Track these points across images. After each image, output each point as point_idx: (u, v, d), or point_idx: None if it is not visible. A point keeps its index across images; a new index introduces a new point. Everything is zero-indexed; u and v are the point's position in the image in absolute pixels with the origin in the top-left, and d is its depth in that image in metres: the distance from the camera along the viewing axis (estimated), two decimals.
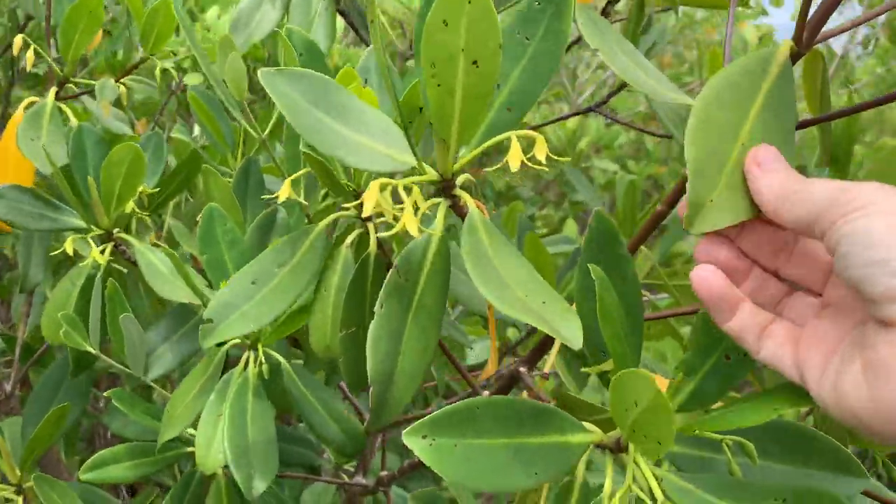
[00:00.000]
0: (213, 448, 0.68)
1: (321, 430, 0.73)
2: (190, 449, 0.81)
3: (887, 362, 0.34)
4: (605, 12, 0.82)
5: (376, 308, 0.44)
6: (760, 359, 0.40)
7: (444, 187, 0.45)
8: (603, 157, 1.78)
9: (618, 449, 0.47)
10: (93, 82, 0.82)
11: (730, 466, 0.44)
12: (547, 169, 0.42)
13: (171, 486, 0.94)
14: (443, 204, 0.46)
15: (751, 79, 0.44)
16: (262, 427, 0.68)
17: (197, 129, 1.21)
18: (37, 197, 0.79)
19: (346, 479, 0.98)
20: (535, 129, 1.12)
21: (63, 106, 0.85)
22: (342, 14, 0.83)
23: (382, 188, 0.43)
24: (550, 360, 0.54)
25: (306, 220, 0.77)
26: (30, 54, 0.83)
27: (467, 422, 0.42)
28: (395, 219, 0.53)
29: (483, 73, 0.39)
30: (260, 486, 0.65)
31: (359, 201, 0.45)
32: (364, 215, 0.42)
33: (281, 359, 0.73)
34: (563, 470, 0.45)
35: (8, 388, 1.02)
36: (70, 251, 0.74)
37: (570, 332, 0.38)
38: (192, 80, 0.97)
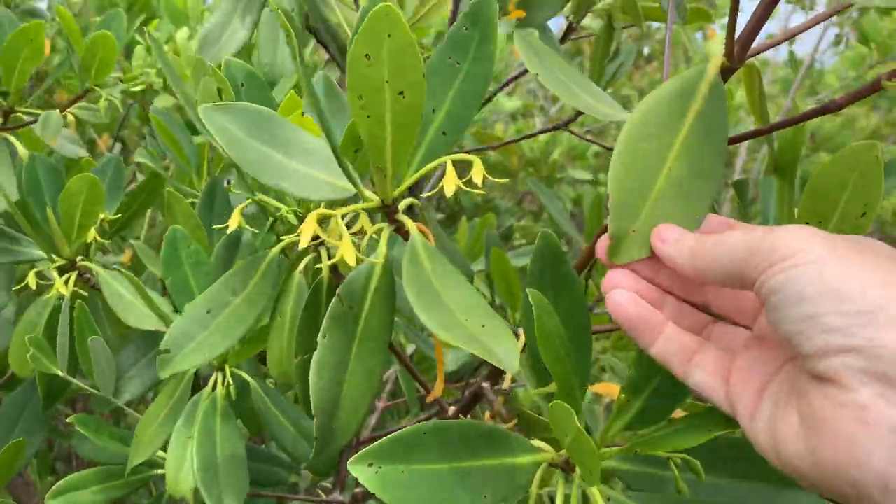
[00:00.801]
0: (184, 471, 0.68)
1: (292, 449, 0.74)
2: (160, 471, 0.81)
3: (824, 417, 0.33)
4: (570, 28, 0.82)
5: (319, 338, 0.44)
6: (690, 385, 0.40)
7: (387, 213, 0.46)
8: (577, 167, 1.79)
9: (568, 468, 0.47)
10: (39, 112, 0.82)
11: (677, 484, 0.44)
12: (483, 192, 0.42)
13: None
14: (386, 229, 0.46)
15: (679, 102, 0.44)
16: (231, 448, 0.69)
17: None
18: None
19: (322, 496, 0.98)
20: (509, 143, 1.12)
21: (10, 136, 0.85)
22: (312, 32, 0.82)
23: (320, 219, 0.43)
24: (508, 378, 0.54)
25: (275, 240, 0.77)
26: None
27: (414, 448, 0.43)
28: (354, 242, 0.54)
29: (410, 103, 0.39)
30: None
31: (298, 232, 0.45)
32: (301, 247, 0.42)
33: (249, 378, 0.73)
34: (514, 491, 0.45)
35: None
36: (33, 285, 0.74)
37: (506, 355, 0.38)
38: (162, 102, 0.97)
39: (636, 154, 0.42)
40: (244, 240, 0.78)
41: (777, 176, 0.58)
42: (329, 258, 0.57)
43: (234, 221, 0.57)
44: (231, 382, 0.71)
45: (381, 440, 0.42)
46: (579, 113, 0.93)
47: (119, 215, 0.81)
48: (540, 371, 0.52)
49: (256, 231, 0.68)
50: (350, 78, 0.38)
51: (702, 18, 0.95)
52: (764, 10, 0.43)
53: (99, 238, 0.78)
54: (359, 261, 0.48)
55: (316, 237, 0.58)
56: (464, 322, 0.40)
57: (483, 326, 0.40)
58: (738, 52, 0.45)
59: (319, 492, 1.01)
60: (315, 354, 0.44)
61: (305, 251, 0.59)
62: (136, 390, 0.81)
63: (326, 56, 1.34)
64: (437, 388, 0.54)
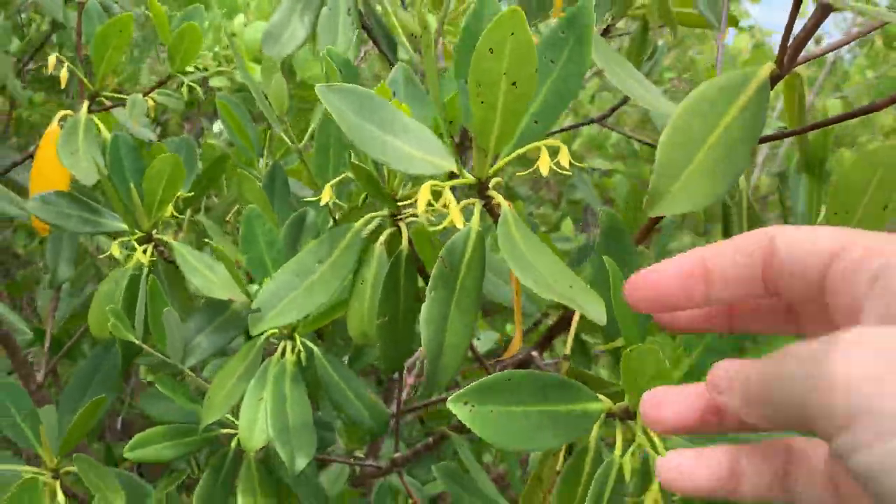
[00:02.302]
0: (256, 430, 0.75)
1: (352, 414, 0.80)
2: (224, 431, 0.87)
3: None
4: (607, 30, 0.89)
5: (427, 293, 0.51)
6: None
7: (479, 189, 0.53)
8: (596, 157, 1.86)
9: (626, 416, 0.54)
10: (121, 96, 0.89)
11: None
12: (570, 173, 0.49)
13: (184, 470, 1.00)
14: (478, 204, 0.53)
15: (729, 93, 0.51)
16: (301, 409, 0.75)
17: (217, 126, 1.27)
18: (78, 202, 0.85)
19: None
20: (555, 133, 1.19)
21: (94, 118, 0.91)
22: (366, 31, 0.89)
23: (433, 191, 0.50)
24: (569, 342, 0.61)
25: (332, 222, 0.84)
26: (63, 72, 0.89)
27: (502, 392, 0.50)
28: (431, 217, 0.61)
29: (520, 93, 0.46)
30: (301, 462, 0.72)
31: (410, 201, 0.51)
32: (419, 213, 0.49)
33: (315, 348, 0.80)
34: (581, 433, 0.52)
35: (40, 377, 1.07)
36: (118, 255, 0.80)
37: (595, 310, 0.45)
38: (217, 82, 1.04)
39: (685, 128, 0.49)
40: (308, 220, 0.85)
41: (807, 173, 0.65)
42: (408, 233, 0.64)
43: (326, 196, 0.64)
44: (302, 349, 0.78)
45: (473, 384, 0.49)
46: (613, 109, 1.00)
47: (192, 193, 0.88)
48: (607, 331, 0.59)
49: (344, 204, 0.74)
50: (473, 69, 0.45)
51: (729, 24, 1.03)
52: (814, 24, 0.50)
53: (175, 214, 0.85)
54: (433, 231, 0.55)
55: (396, 213, 0.66)
56: (553, 283, 0.47)
57: (571, 287, 0.48)
58: (788, 62, 0.53)
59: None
60: (423, 307, 0.51)
61: (384, 225, 0.66)
62: (201, 356, 0.87)
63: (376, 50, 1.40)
64: (515, 346, 0.61)
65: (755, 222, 0.59)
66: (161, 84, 0.92)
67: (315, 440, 0.75)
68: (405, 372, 1.14)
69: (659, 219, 0.58)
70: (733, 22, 0.83)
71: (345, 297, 0.68)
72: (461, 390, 0.49)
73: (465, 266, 0.52)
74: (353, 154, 0.69)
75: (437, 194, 0.54)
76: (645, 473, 0.53)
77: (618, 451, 0.53)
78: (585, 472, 0.54)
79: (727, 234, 0.60)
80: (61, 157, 0.82)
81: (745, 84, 0.51)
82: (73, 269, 1.07)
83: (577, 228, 1.63)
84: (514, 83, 0.46)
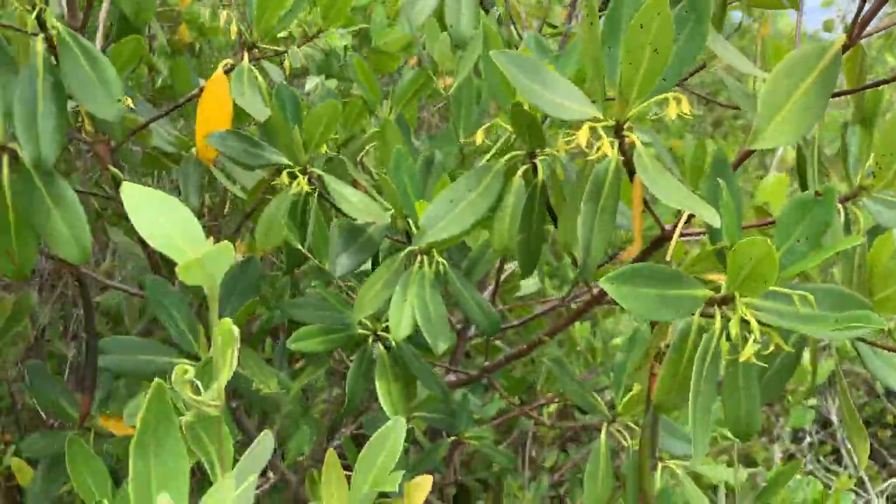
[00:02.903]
0: (402, 324, 0.94)
1: (472, 315, 0.99)
2: (360, 331, 1.07)
3: None
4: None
5: (582, 205, 0.69)
6: None
7: (616, 129, 0.70)
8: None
9: (723, 302, 0.72)
10: (275, 48, 1.06)
11: (799, 310, 0.69)
12: (691, 117, 0.66)
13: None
14: (615, 142, 0.71)
15: (813, 59, 0.68)
16: (438, 308, 0.94)
17: (311, 83, 1.43)
18: (245, 138, 1.03)
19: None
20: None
21: (253, 67, 1.08)
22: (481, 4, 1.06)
23: (591, 130, 0.68)
24: (671, 251, 0.78)
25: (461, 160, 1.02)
26: (233, 27, 1.07)
27: (637, 277, 0.68)
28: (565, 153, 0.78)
29: (659, 57, 0.64)
30: (442, 346, 0.91)
31: (571, 139, 0.69)
32: (583, 145, 0.67)
33: (445, 262, 0.98)
34: (692, 311, 0.71)
35: None
36: (286, 182, 0.98)
37: (709, 214, 0.63)
38: (342, 41, 1.20)
39: (778, 87, 0.67)
40: (437, 159, 1.03)
41: (860, 125, 0.82)
42: (535, 169, 0.82)
43: (480, 137, 0.82)
44: (441, 261, 0.96)
45: (619, 270, 0.67)
46: (688, 75, 1.16)
47: (337, 135, 1.06)
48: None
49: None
50: (626, 39, 0.63)
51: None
52: (879, 4, 0.67)
53: (328, 151, 1.03)
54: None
55: (533, 151, 0.83)
56: (676, 194, 0.65)
57: (688, 198, 0.65)
58: (855, 35, 0.69)
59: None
60: (580, 217, 0.69)
61: (523, 161, 0.84)
62: (341, 271, 1.06)
63: None
64: (635, 248, 0.78)
65: (821, 161, 0.77)
66: (310, 39, 1.09)
67: (449, 332, 0.94)
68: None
69: (748, 154, 0.76)
70: (795, 4, 0.98)
71: (487, 219, 0.86)
72: (610, 274, 0.67)
73: (607, 186, 0.70)
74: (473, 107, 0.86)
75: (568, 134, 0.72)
76: (737, 343, 0.71)
77: (717, 325, 0.71)
78: (691, 339, 0.72)
79: (800, 170, 0.77)
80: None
81: (823, 54, 0.69)
82: (198, 197, 1.25)
83: None
84: (655, 50, 0.63)
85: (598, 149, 0.69)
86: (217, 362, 0.51)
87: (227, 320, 0.49)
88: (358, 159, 1.14)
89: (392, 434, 0.63)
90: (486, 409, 1.44)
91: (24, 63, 0.82)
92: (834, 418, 2.66)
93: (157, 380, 0.46)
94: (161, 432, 0.46)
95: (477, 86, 1.06)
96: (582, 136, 0.67)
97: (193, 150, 1.22)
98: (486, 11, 1.09)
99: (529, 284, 1.68)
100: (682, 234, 0.78)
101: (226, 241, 0.46)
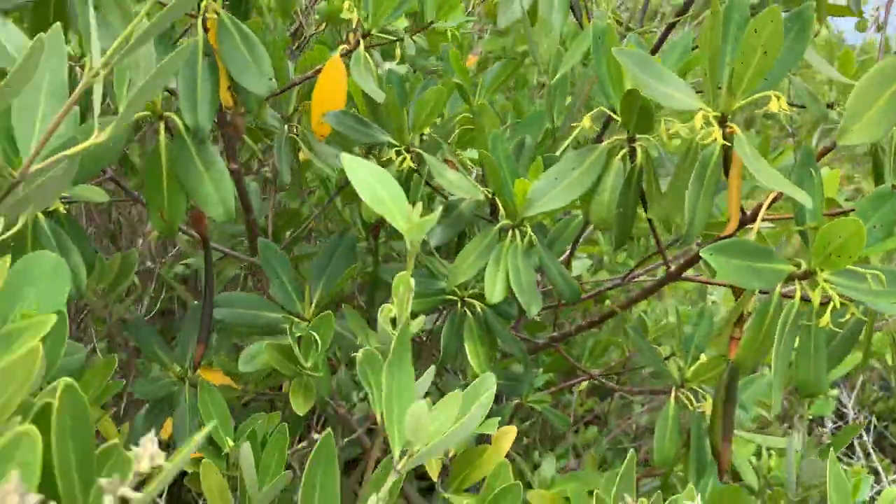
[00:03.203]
0: (496, 291, 1.04)
1: (557, 284, 1.10)
2: (448, 297, 1.17)
3: None
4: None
5: (689, 183, 0.79)
6: None
7: (721, 120, 0.80)
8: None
9: (804, 277, 0.83)
10: (387, 35, 1.16)
11: (870, 286, 0.80)
12: (788, 112, 0.77)
13: None
14: (720, 130, 0.81)
15: (892, 73, 0.78)
16: (529, 276, 1.05)
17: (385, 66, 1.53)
18: (357, 118, 1.14)
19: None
20: None
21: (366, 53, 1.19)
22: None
23: (704, 120, 0.78)
24: (755, 230, 0.89)
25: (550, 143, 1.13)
26: (354, 15, 1.17)
27: (731, 250, 0.78)
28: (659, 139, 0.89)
29: (767, 59, 0.74)
30: (534, 310, 1.02)
31: (675, 129, 0.80)
32: (697, 131, 0.77)
33: (534, 235, 1.09)
34: (776, 283, 0.81)
35: None
36: (393, 158, 1.09)
37: (803, 196, 0.74)
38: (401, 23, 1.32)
39: (864, 92, 0.77)
40: (527, 143, 1.13)
41: None
42: (634, 153, 0.92)
43: (587, 122, 0.92)
44: (532, 234, 1.07)
45: (716, 244, 0.78)
46: None
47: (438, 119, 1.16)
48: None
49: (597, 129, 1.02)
50: (743, 41, 0.73)
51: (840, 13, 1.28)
52: None
53: (430, 132, 1.13)
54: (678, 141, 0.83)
55: (632, 137, 0.94)
56: (772, 176, 0.76)
57: (782, 182, 0.76)
58: None
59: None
60: (687, 193, 0.79)
61: (622, 145, 0.94)
62: (440, 241, 1.17)
63: None
64: (731, 226, 0.89)
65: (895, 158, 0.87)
66: (420, 30, 1.20)
67: (540, 299, 1.04)
68: None
69: (829, 149, 0.86)
70: (861, 13, 1.08)
71: (586, 195, 0.97)
72: (709, 246, 0.77)
73: (710, 168, 0.80)
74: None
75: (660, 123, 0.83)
76: (814, 313, 0.82)
77: (797, 296, 0.82)
78: (772, 309, 0.83)
79: (877, 166, 0.88)
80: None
81: None
82: (289, 174, 1.35)
83: None
84: (765, 52, 0.73)
85: (709, 135, 0.79)
86: (400, 305, 0.62)
87: (405, 273, 0.60)
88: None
89: (483, 386, 0.73)
90: (535, 381, 1.55)
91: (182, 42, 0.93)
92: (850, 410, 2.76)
93: (405, 320, 0.58)
94: (401, 357, 0.57)
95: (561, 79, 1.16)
96: (697, 122, 0.78)
97: (285, 127, 1.32)
98: (573, 10, 1.19)
99: (577, 266, 1.80)
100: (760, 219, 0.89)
101: (434, 212, 0.57)
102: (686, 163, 0.83)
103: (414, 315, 1.24)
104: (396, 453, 0.58)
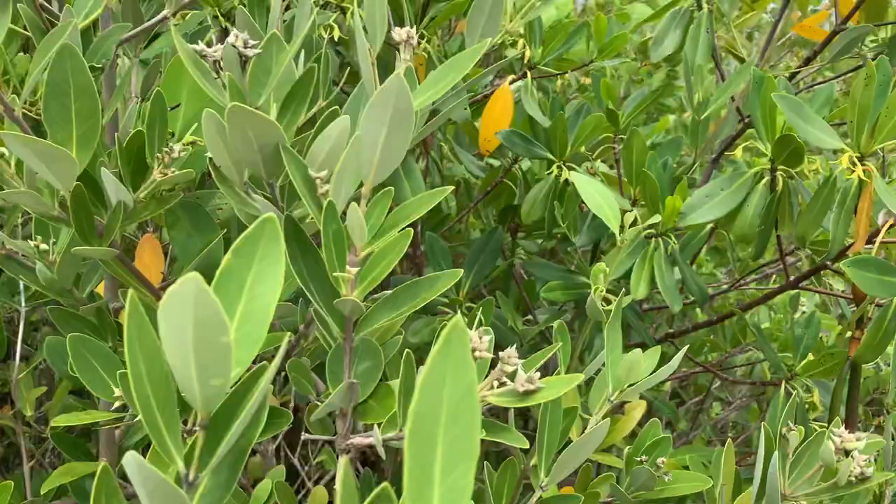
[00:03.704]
0: (641, 287, 1.24)
1: (689, 286, 1.29)
2: (585, 291, 1.37)
3: None
4: None
5: (833, 208, 0.98)
6: None
7: (860, 158, 0.99)
8: None
9: None
10: (550, 70, 1.37)
11: None
12: None
13: None
14: (860, 167, 0.99)
15: None
16: (671, 277, 1.24)
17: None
18: (521, 136, 1.34)
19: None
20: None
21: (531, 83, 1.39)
22: None
23: (850, 159, 0.97)
24: (876, 248, 1.07)
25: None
26: (528, 53, 1.37)
27: (864, 264, 0.97)
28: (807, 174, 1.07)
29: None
30: (677, 307, 1.21)
31: (815, 165, 0.98)
32: (844, 168, 0.96)
33: (673, 242, 1.28)
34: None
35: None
36: (555, 171, 1.29)
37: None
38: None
39: None
40: (669, 163, 1.33)
41: None
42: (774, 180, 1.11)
43: (739, 153, 1.12)
44: (674, 242, 1.26)
45: (855, 258, 0.96)
46: None
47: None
48: None
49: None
50: (890, 99, 0.91)
51: None
52: None
53: (584, 150, 1.33)
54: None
55: (774, 167, 1.13)
56: None
57: None
58: None
59: None
60: (832, 217, 0.98)
61: (765, 173, 1.13)
62: (584, 243, 1.37)
63: None
64: (858, 245, 1.07)
65: None
66: (582, 67, 1.40)
67: (680, 298, 1.24)
68: None
69: None
70: None
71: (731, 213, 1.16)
72: (846, 261, 0.96)
73: (850, 197, 0.99)
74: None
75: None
76: None
77: None
78: (889, 314, 1.01)
79: None
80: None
81: None
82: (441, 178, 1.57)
83: None
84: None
85: (852, 171, 0.98)
86: (600, 283, 0.82)
87: (600, 265, 0.81)
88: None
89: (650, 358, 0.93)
90: None
91: None
92: None
93: (621, 295, 0.78)
94: (615, 320, 0.78)
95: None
96: (844, 161, 0.96)
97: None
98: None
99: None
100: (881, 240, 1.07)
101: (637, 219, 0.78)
102: (825, 191, 1.01)
103: (576, 303, 1.45)
104: (615, 394, 0.79)
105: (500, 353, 0.60)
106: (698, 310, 1.94)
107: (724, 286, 1.56)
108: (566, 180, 1.35)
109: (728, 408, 1.90)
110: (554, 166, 1.32)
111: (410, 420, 0.27)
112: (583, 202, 1.42)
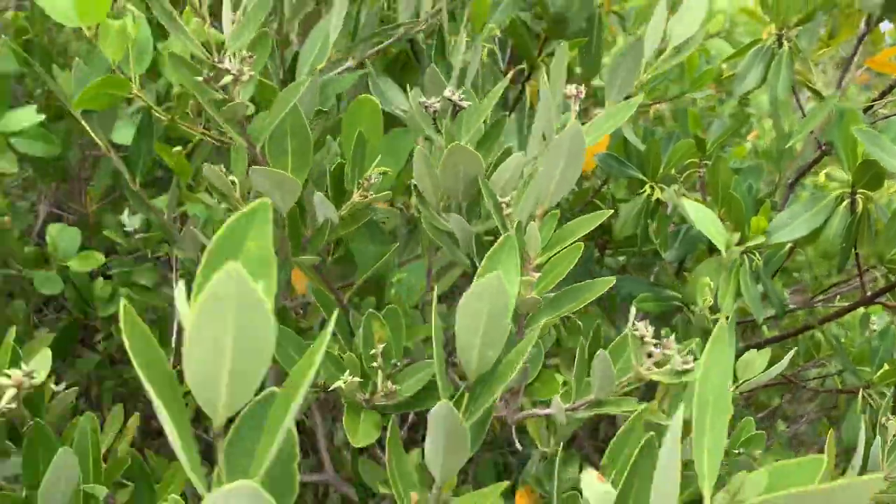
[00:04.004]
0: (728, 300, 1.36)
1: (771, 300, 1.41)
2: (676, 303, 1.50)
3: None
4: None
5: (887, 224, 1.09)
6: None
7: None
8: None
9: None
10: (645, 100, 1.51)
11: None
12: None
13: None
14: None
15: None
16: (756, 291, 1.36)
17: None
18: (616, 159, 1.48)
19: None
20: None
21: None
22: None
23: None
24: None
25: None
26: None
27: None
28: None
29: None
30: (760, 318, 1.33)
31: (894, 189, 1.10)
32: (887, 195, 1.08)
33: (758, 258, 1.40)
34: None
35: None
36: (647, 190, 1.43)
37: None
38: None
39: None
40: (753, 187, 1.45)
41: None
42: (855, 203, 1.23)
43: (822, 178, 1.24)
44: (757, 258, 1.38)
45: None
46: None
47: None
48: None
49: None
50: None
51: None
52: None
53: (673, 172, 1.47)
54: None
55: (854, 189, 1.25)
56: None
57: None
58: None
59: None
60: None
61: (846, 196, 1.25)
62: (673, 258, 1.50)
63: None
64: None
65: None
66: (671, 99, 1.54)
67: (763, 309, 1.36)
68: None
69: None
70: None
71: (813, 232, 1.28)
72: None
73: None
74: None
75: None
76: None
77: None
78: None
79: None
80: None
81: None
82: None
83: None
84: None
85: None
86: (702, 297, 0.96)
87: (705, 279, 0.94)
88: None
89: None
90: None
91: None
92: None
93: (727, 305, 0.92)
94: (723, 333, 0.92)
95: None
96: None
97: None
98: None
99: None
100: None
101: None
102: None
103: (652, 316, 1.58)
104: (732, 388, 0.93)
105: (663, 339, 0.74)
106: (765, 328, 2.04)
107: (793, 305, 1.67)
108: (657, 199, 1.49)
109: (798, 421, 1.99)
110: (647, 186, 1.46)
111: None
112: (673, 220, 1.56)
